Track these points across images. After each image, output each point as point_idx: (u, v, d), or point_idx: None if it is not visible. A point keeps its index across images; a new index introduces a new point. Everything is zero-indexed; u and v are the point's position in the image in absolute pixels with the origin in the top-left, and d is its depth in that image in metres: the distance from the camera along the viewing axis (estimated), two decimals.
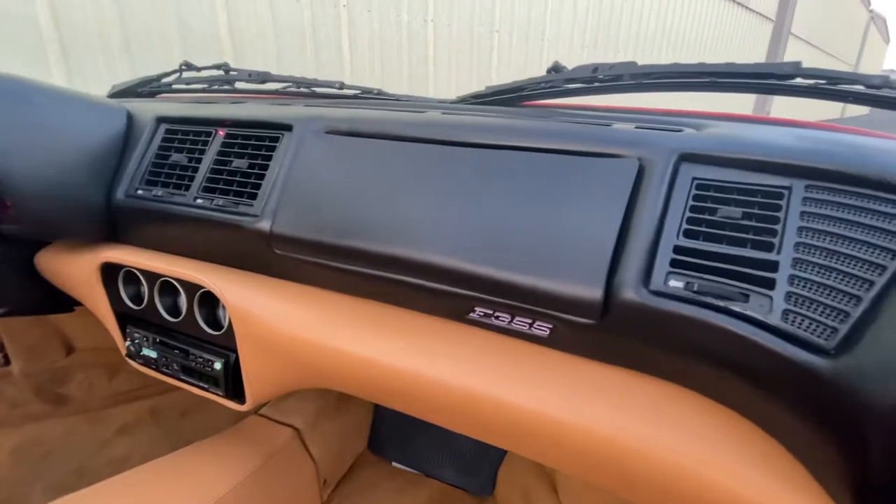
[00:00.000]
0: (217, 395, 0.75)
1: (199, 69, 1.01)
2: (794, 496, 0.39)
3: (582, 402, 0.49)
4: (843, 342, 0.34)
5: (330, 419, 1.10)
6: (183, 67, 1.01)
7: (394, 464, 1.19)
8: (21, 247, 0.89)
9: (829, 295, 0.36)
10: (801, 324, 0.37)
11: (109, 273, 0.79)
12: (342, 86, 0.90)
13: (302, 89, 0.93)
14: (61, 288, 0.90)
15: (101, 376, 1.29)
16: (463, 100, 0.78)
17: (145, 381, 1.30)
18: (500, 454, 1.11)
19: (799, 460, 0.40)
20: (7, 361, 1.26)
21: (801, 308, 0.37)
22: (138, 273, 0.76)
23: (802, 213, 0.40)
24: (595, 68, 0.66)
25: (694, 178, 0.45)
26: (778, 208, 0.41)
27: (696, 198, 0.44)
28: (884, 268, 0.35)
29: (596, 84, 0.67)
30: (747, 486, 0.41)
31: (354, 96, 0.89)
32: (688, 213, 0.44)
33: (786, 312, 0.38)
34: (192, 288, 0.72)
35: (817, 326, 0.36)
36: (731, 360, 0.41)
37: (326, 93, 0.91)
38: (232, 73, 0.97)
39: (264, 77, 0.92)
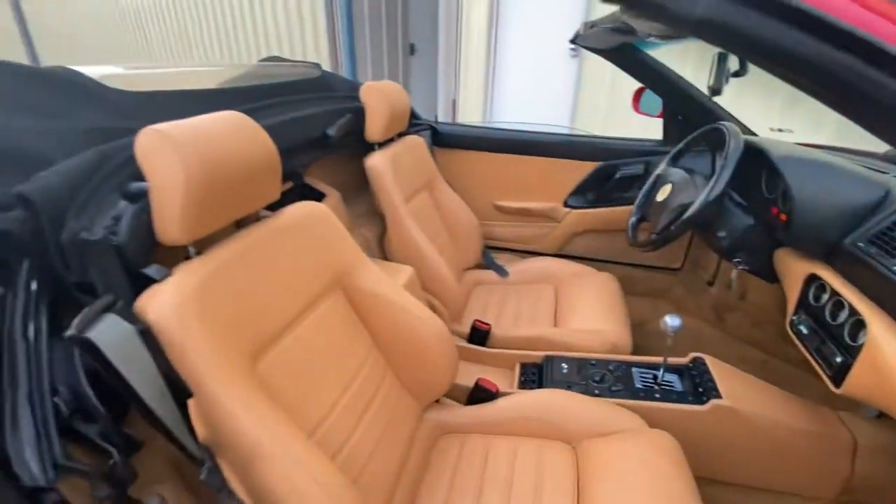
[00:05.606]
0: (826, 374, 0.87)
1: None
2: None
3: None
4: None
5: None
6: None
7: None
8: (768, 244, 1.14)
9: None
10: None
11: (807, 280, 0.97)
12: None
13: None
14: (782, 276, 1.11)
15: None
16: None
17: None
18: None
19: None
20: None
21: None
22: (830, 291, 0.89)
23: None
24: None
25: None
26: None
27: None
28: None
29: None
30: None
31: None
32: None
33: None
34: (856, 315, 0.81)
35: None
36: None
37: None
38: None
39: None
